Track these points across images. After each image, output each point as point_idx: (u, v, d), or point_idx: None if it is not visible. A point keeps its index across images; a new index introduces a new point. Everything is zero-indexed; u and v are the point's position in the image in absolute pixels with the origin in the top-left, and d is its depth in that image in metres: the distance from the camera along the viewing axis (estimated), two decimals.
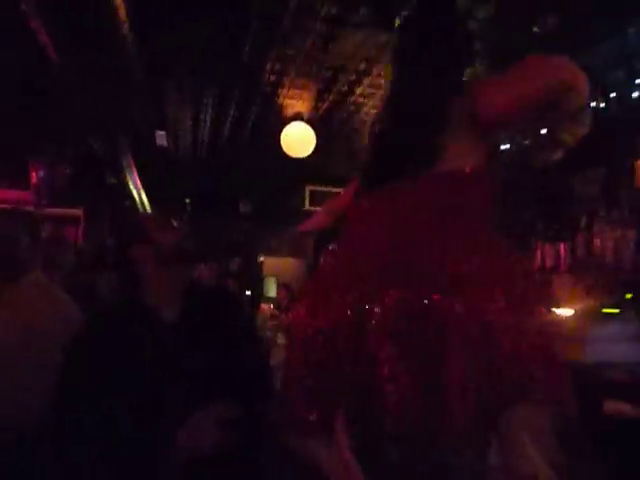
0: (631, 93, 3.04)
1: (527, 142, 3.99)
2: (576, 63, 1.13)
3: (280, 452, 1.29)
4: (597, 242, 3.12)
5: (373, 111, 4.06)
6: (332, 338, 1.09)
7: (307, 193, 6.23)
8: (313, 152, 4.42)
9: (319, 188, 6.27)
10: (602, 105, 3.31)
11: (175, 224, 1.53)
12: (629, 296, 2.90)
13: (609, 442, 2.14)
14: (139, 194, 5.98)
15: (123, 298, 1.45)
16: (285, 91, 3.76)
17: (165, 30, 2.97)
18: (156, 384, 1.24)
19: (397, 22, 2.75)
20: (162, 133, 4.00)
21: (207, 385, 1.29)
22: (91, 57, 3.24)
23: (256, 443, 1.29)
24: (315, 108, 4.06)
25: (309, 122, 4.22)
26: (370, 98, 3.82)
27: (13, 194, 5.07)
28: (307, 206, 6.22)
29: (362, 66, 3.31)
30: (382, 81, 3.49)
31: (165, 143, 4.19)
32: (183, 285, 1.42)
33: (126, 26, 2.80)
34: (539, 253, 3.63)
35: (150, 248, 1.37)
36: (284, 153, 4.41)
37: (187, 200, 7.46)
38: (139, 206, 6.34)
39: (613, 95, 3.20)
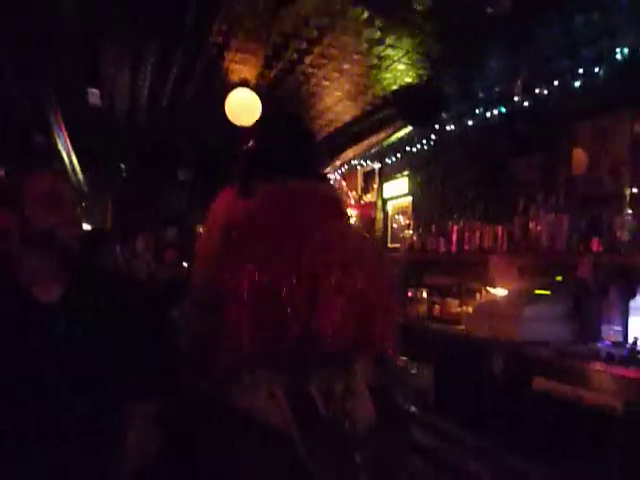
0: (574, 82, 3.12)
1: (471, 124, 4.07)
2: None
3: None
4: (533, 225, 3.21)
5: (323, 82, 3.97)
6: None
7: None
8: (257, 121, 4.27)
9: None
10: (545, 92, 3.39)
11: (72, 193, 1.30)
12: (560, 278, 3.03)
13: (538, 417, 2.24)
14: (69, 157, 5.60)
15: None
16: (231, 54, 3.58)
17: None
18: (29, 373, 1.11)
19: None
20: (95, 91, 3.71)
21: (99, 374, 1.19)
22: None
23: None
24: (262, 75, 3.91)
25: (255, 89, 4.07)
26: (320, 69, 3.72)
27: None
28: None
29: (314, 34, 3.19)
30: (334, 51, 3.40)
31: (99, 102, 3.89)
32: (61, 264, 1.24)
33: None
34: (478, 234, 3.71)
35: (16, 218, 1.18)
36: (227, 120, 4.23)
37: (122, 165, 7.08)
38: (69, 170, 5.95)
39: (556, 83, 3.28)
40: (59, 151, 5.27)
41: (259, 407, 1.07)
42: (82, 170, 5.95)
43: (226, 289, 1.11)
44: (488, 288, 3.48)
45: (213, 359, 1.08)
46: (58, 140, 4.96)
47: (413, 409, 1.62)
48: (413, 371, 1.57)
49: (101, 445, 1.12)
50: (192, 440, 1.23)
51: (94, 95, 3.76)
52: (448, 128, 4.28)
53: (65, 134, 4.85)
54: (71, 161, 5.64)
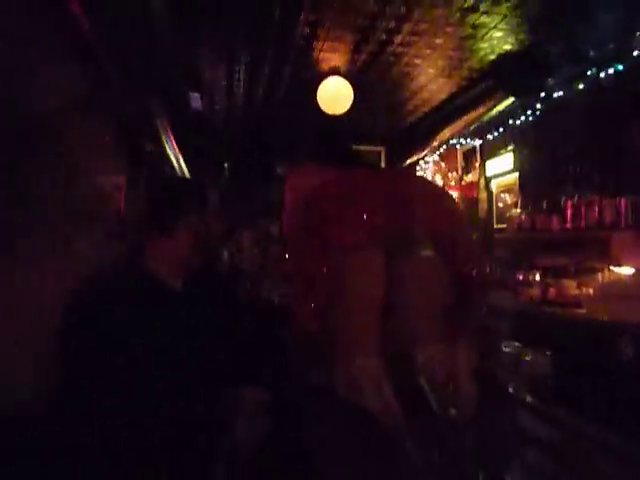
0: None
1: (583, 87, 3.70)
2: None
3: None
4: None
5: (415, 61, 3.83)
6: None
7: None
8: (351, 108, 4.23)
9: (359, 147, 6.07)
10: None
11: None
12: None
13: None
14: (177, 160, 5.96)
15: (126, 266, 1.34)
16: (320, 44, 3.57)
17: None
18: (177, 360, 1.17)
19: None
20: (196, 95, 3.90)
21: (221, 358, 1.25)
22: (122, 21, 3.14)
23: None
24: (352, 61, 3.85)
25: (346, 76, 4.02)
26: (411, 47, 3.58)
27: None
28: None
29: (402, 10, 3.07)
30: (424, 26, 3.25)
31: (200, 106, 4.09)
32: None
33: None
34: (596, 208, 3.37)
35: (199, 221, 1.35)
36: (321, 111, 4.24)
37: (225, 164, 7.41)
38: (178, 173, 6.33)
39: None
40: (168, 156, 5.63)
41: (366, 399, 1.04)
42: (189, 171, 6.31)
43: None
44: (612, 267, 3.15)
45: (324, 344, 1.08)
46: (166, 146, 5.29)
47: (528, 398, 1.50)
48: (527, 358, 1.45)
49: (211, 426, 1.17)
50: (302, 428, 1.24)
51: (196, 99, 3.95)
52: (555, 95, 3.93)
53: (172, 139, 5.16)
54: (179, 164, 6.00)
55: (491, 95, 4.01)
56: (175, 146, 5.41)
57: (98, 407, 1.12)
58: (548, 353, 1.49)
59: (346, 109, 4.20)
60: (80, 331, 1.19)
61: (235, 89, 4.47)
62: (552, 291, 3.55)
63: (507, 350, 1.54)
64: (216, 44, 3.60)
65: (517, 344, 1.61)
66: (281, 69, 3.99)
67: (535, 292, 3.65)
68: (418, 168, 6.37)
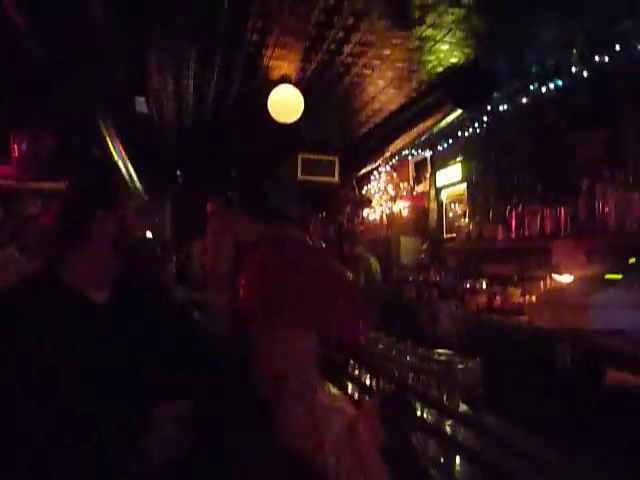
0: (639, 45, 2.83)
1: (525, 101, 3.82)
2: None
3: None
4: (599, 205, 2.96)
5: (364, 71, 3.86)
6: None
7: (299, 161, 6.04)
8: (303, 117, 4.22)
9: (311, 156, 6.07)
10: (606, 59, 3.11)
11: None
12: (632, 261, 2.77)
13: (610, 413, 2.03)
14: (126, 166, 5.78)
15: (42, 275, 1.26)
16: (270, 51, 3.54)
17: None
18: (84, 374, 1.11)
19: None
20: (141, 99, 3.79)
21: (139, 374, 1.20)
22: (65, 26, 3.04)
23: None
24: (302, 69, 3.85)
25: (297, 85, 4.02)
26: (360, 57, 3.60)
27: None
28: (300, 175, 6.03)
29: (350, 21, 3.09)
30: (372, 37, 3.28)
31: (145, 110, 3.98)
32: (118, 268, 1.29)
33: None
34: (538, 218, 3.48)
35: (114, 222, 1.23)
36: (272, 119, 4.21)
37: (178, 172, 7.25)
38: (127, 180, 6.14)
39: (618, 48, 3.00)
40: (116, 162, 5.45)
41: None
42: (139, 179, 6.14)
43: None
44: (553, 275, 3.25)
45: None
46: (114, 151, 5.12)
47: (460, 406, 1.50)
48: (460, 366, 1.45)
49: (128, 438, 1.12)
50: (223, 444, 1.19)
51: (141, 103, 3.84)
52: (501, 108, 4.05)
53: (119, 145, 5.00)
54: (128, 171, 5.82)
55: (439, 107, 4.09)
56: (122, 151, 5.25)
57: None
58: (479, 360, 1.50)
59: (297, 117, 4.19)
60: None
61: (185, 95, 4.38)
62: (497, 299, 3.63)
63: (441, 358, 1.54)
64: (162, 48, 3.51)
65: (450, 351, 1.61)
66: (230, 76, 3.94)
67: (481, 300, 3.72)
68: (372, 178, 6.42)
